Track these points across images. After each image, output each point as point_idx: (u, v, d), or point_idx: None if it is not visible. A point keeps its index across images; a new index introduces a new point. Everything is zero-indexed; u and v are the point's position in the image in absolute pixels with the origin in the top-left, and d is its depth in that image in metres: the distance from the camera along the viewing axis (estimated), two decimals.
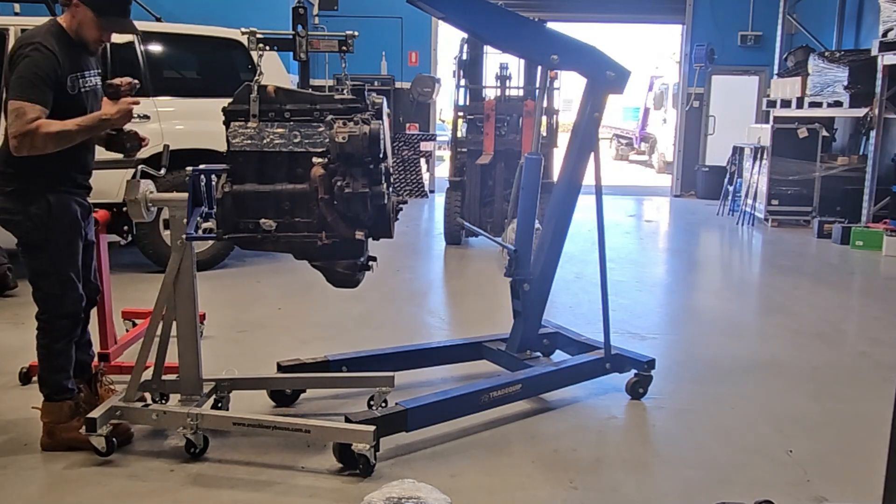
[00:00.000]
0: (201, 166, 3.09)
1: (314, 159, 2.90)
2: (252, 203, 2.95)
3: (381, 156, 2.89)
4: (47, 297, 3.02)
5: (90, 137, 3.01)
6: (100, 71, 3.15)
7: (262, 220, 2.94)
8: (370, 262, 3.08)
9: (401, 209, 3.15)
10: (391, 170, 3.11)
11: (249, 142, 2.93)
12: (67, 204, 2.99)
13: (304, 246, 2.97)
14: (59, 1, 2.94)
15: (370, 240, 3.06)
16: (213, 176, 3.06)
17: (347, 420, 2.97)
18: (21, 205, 2.91)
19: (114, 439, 3.04)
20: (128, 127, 3.13)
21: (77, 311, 3.09)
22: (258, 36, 3.27)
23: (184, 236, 3.03)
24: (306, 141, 2.92)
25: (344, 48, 3.42)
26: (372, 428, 2.89)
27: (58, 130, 2.79)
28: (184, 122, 6.21)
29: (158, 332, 3.20)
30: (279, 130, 2.92)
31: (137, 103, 3.05)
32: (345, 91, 3.04)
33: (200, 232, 3.06)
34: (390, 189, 3.09)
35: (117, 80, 3.06)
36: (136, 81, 3.12)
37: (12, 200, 2.91)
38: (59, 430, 3.09)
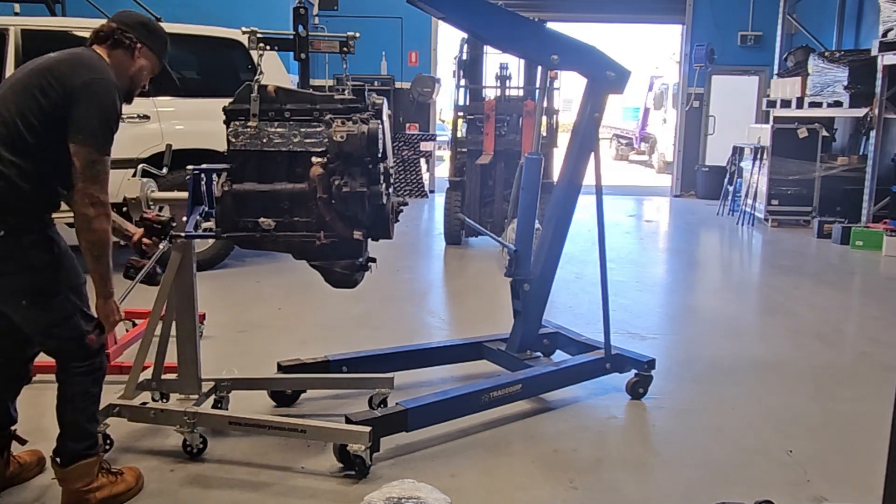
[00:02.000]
0: (202, 166, 3.10)
1: (313, 159, 2.90)
2: (251, 202, 2.95)
3: (379, 155, 2.89)
4: (75, 343, 2.55)
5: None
6: None
7: (262, 220, 2.94)
8: (369, 263, 3.08)
9: (401, 210, 3.14)
10: (391, 170, 3.11)
11: (249, 141, 2.93)
12: (58, 239, 2.53)
13: (302, 245, 2.97)
14: (115, 45, 2.60)
15: (370, 240, 3.07)
16: (213, 175, 3.07)
17: (348, 420, 2.97)
18: (14, 248, 2.40)
19: (110, 437, 3.04)
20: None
21: (104, 342, 2.69)
22: (258, 36, 3.27)
23: (182, 235, 3.03)
24: (306, 140, 2.92)
25: (345, 49, 3.42)
26: (368, 429, 2.88)
27: (106, 242, 2.47)
28: (184, 121, 6.21)
29: (158, 331, 3.21)
30: (279, 130, 2.93)
31: (157, 243, 2.99)
32: (345, 91, 3.05)
33: (200, 231, 3.06)
34: (390, 190, 3.09)
35: (150, 214, 2.98)
36: (169, 218, 3.02)
37: (3, 246, 2.38)
38: (93, 490, 2.62)
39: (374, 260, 3.11)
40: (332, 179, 2.85)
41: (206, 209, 3.09)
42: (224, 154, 2.97)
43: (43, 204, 2.50)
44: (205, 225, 3.06)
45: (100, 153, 2.40)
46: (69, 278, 2.53)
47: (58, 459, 2.62)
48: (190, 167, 3.07)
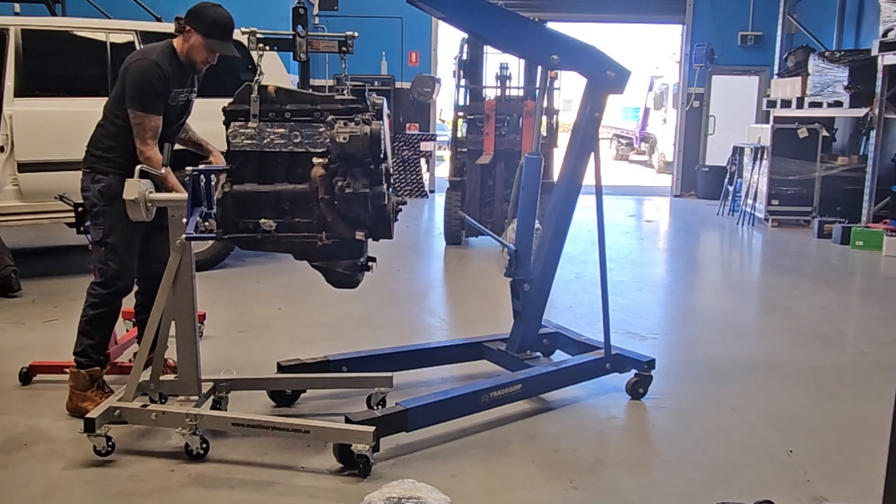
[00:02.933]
0: (201, 166, 3.10)
1: (314, 159, 2.90)
2: (252, 203, 2.95)
3: (381, 156, 2.89)
4: (97, 264, 3.37)
5: (172, 142, 3.36)
6: (194, 88, 3.57)
7: (262, 220, 2.94)
8: (370, 263, 3.08)
9: (400, 209, 3.14)
10: (391, 170, 3.11)
11: (249, 142, 2.93)
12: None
13: (304, 246, 2.97)
14: (174, 29, 3.36)
15: (370, 240, 3.06)
16: (212, 176, 3.07)
17: (348, 420, 2.97)
18: (91, 182, 3.34)
19: (112, 440, 3.04)
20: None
21: (119, 287, 3.38)
22: (258, 36, 3.27)
23: (184, 236, 3.03)
24: (306, 141, 2.92)
25: (344, 49, 3.42)
26: (371, 428, 2.88)
27: (154, 160, 3.26)
28: None
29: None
30: (279, 130, 2.92)
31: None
32: (345, 91, 3.04)
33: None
34: (390, 189, 3.09)
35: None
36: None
37: (87, 179, 3.36)
38: (74, 395, 3.38)
39: (374, 259, 3.11)
40: (334, 180, 2.85)
41: (206, 210, 3.08)
42: (224, 154, 2.97)
43: (111, 160, 3.35)
44: (205, 226, 3.05)
45: (137, 111, 3.27)
46: (112, 219, 3.30)
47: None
48: (189, 168, 3.07)
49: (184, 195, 3.08)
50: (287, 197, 2.94)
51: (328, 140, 2.86)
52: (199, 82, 3.60)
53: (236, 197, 2.94)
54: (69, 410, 3.39)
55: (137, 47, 6.08)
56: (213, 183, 3.10)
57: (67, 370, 3.41)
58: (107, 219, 3.32)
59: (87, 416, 2.98)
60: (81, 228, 3.55)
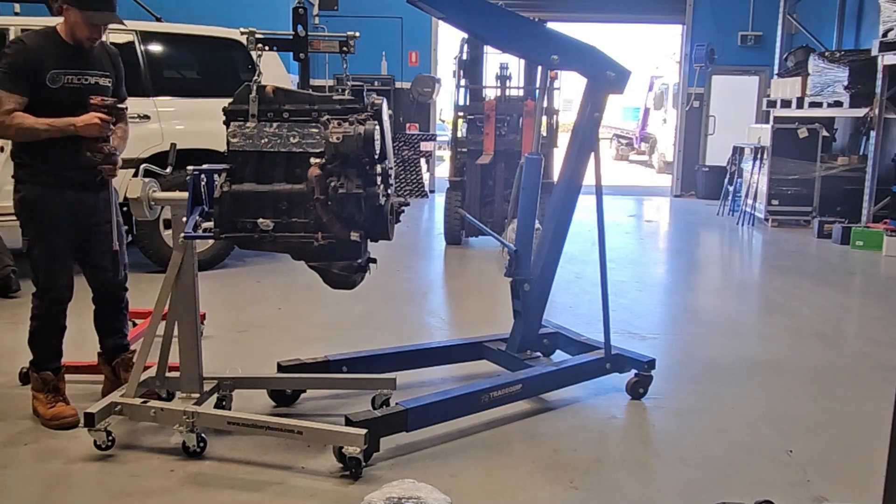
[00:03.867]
0: (203, 166, 3.10)
1: (312, 160, 2.90)
2: (250, 203, 2.95)
3: (376, 156, 2.89)
4: (33, 277, 3.30)
5: (69, 136, 3.16)
6: (107, 73, 3.34)
7: (260, 220, 2.94)
8: (369, 264, 3.08)
9: (402, 211, 3.14)
10: (391, 171, 3.11)
11: (248, 142, 2.93)
12: (40, 195, 3.21)
13: (301, 246, 2.97)
14: (52, 9, 3.16)
15: (370, 241, 3.06)
16: (214, 175, 3.07)
17: (348, 420, 2.97)
18: (14, 194, 3.26)
19: (113, 437, 3.05)
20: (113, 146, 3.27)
21: (53, 298, 3.29)
22: (257, 36, 3.27)
23: (182, 235, 3.04)
24: (304, 141, 2.93)
25: (345, 49, 3.42)
26: (363, 431, 2.88)
27: (27, 126, 3.08)
28: (184, 121, 6.21)
29: (160, 331, 3.21)
30: (277, 131, 2.93)
31: (105, 120, 3.17)
32: (344, 92, 3.04)
33: (200, 231, 3.06)
34: (390, 190, 3.08)
35: (95, 98, 3.19)
36: (113, 100, 3.26)
37: (13, 192, 3.26)
38: (34, 396, 3.37)
39: (374, 261, 3.10)
40: (328, 181, 2.85)
41: (206, 209, 3.09)
42: (224, 154, 2.97)
43: (25, 165, 3.22)
44: (205, 225, 3.06)
45: None
46: (34, 230, 3.23)
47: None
48: (190, 167, 3.08)
49: (184, 195, 3.08)
50: (285, 197, 2.95)
51: (324, 140, 2.86)
52: (118, 69, 3.41)
53: (234, 196, 2.94)
54: (33, 412, 3.39)
55: (137, 47, 6.10)
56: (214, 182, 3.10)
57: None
58: (29, 229, 3.24)
59: (87, 410, 2.99)
60: None
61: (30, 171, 3.21)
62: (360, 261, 3.02)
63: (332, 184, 2.84)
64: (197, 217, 3.04)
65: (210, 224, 3.03)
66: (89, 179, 3.25)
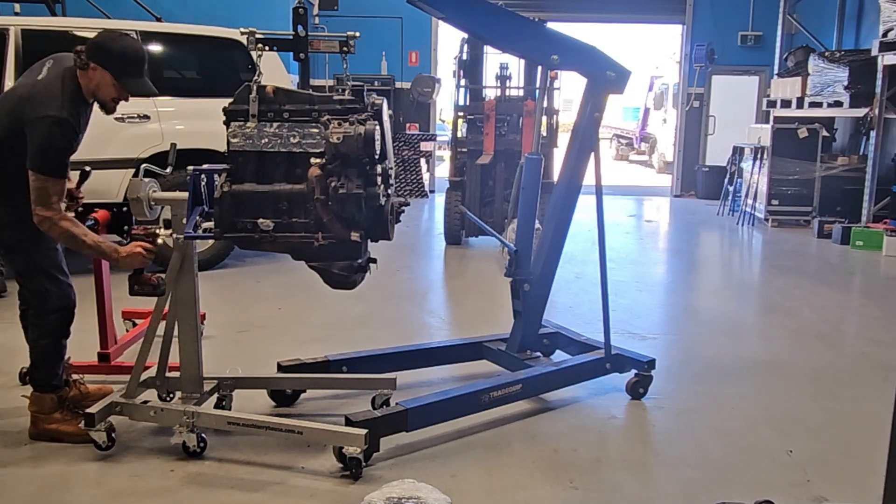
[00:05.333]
0: (203, 166, 3.10)
1: (312, 160, 2.90)
2: (250, 203, 2.95)
3: (376, 157, 2.89)
4: (33, 294, 3.12)
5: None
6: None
7: (260, 220, 2.94)
8: (370, 264, 3.08)
9: (402, 211, 3.14)
10: (391, 171, 3.11)
11: (249, 142, 2.94)
12: (21, 233, 3.01)
13: (301, 246, 2.97)
14: (76, 64, 2.92)
15: (370, 241, 3.06)
16: (214, 176, 3.07)
17: (348, 421, 2.97)
18: None
19: (113, 435, 3.05)
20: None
21: (66, 306, 3.15)
22: (257, 36, 3.27)
23: (182, 236, 3.04)
24: (304, 141, 2.93)
25: (345, 49, 3.42)
26: (363, 431, 2.88)
27: (73, 235, 2.90)
28: (184, 121, 6.21)
29: (160, 331, 3.21)
30: (278, 131, 2.93)
31: (150, 251, 3.03)
32: (344, 92, 3.04)
33: (200, 231, 3.06)
34: (390, 191, 3.08)
35: (137, 228, 3.09)
36: (156, 228, 3.12)
37: None
38: (41, 420, 3.18)
39: (374, 261, 3.10)
40: (328, 181, 2.85)
41: (206, 209, 3.09)
42: (224, 154, 2.97)
43: (10, 181, 2.93)
44: (204, 225, 3.06)
45: (39, 174, 2.82)
46: (31, 242, 3.02)
47: (27, 378, 3.29)
48: (190, 167, 3.08)
49: (185, 195, 3.08)
50: (285, 197, 2.95)
51: (325, 140, 2.86)
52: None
53: (235, 197, 2.94)
54: (32, 437, 3.17)
55: None
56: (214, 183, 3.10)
57: (26, 396, 3.23)
58: (17, 264, 3.10)
59: (88, 410, 3.00)
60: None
61: (19, 184, 2.91)
62: (360, 261, 3.01)
63: (333, 184, 2.84)
64: (197, 217, 3.05)
65: (210, 224, 3.03)
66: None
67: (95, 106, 3.09)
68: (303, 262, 3.03)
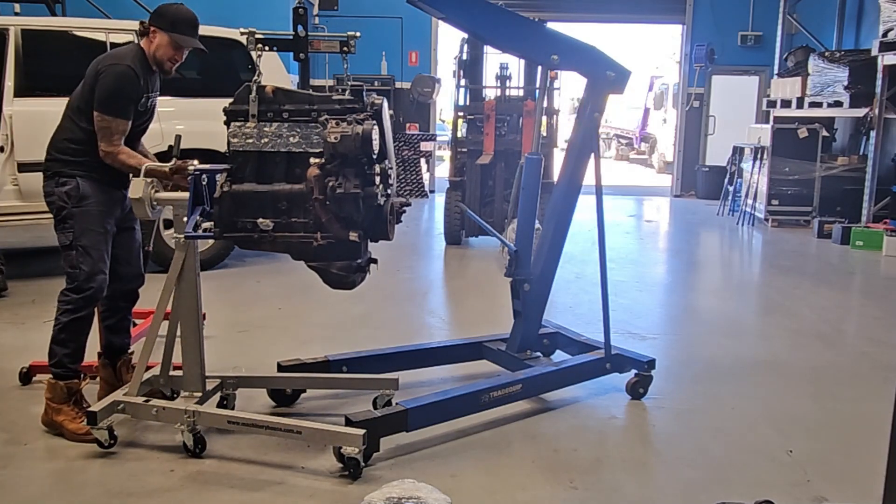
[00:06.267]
0: (203, 166, 3.10)
1: (311, 160, 2.90)
2: (250, 203, 2.95)
3: (374, 156, 2.89)
4: (67, 269, 3.24)
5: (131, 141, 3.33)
6: (158, 91, 3.48)
7: (260, 220, 2.95)
8: (370, 264, 3.08)
9: (404, 211, 3.14)
10: (391, 171, 3.10)
11: (249, 142, 2.94)
12: (95, 188, 3.23)
13: (300, 246, 2.97)
14: (139, 32, 3.31)
15: (371, 241, 3.06)
16: (215, 175, 3.07)
17: (348, 421, 2.97)
18: (56, 185, 3.23)
19: (115, 433, 3.06)
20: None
21: (94, 290, 3.21)
22: (257, 36, 3.28)
23: (182, 236, 3.04)
24: (304, 141, 2.93)
25: (345, 49, 3.42)
26: (362, 431, 2.88)
27: (130, 165, 3.19)
28: (184, 122, 6.21)
29: (163, 330, 3.21)
30: (277, 131, 2.93)
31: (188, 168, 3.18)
32: (344, 92, 3.05)
33: (201, 231, 3.07)
34: (390, 191, 3.08)
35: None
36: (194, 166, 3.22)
37: (50, 183, 3.25)
38: (51, 409, 3.23)
39: (374, 261, 3.10)
40: (326, 180, 2.86)
41: (207, 209, 3.09)
42: (224, 154, 2.98)
43: (78, 163, 3.23)
44: (205, 225, 3.06)
45: (104, 114, 3.16)
46: (82, 222, 3.20)
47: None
48: (191, 167, 3.08)
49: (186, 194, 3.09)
50: (284, 197, 2.95)
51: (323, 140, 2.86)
52: (161, 86, 3.51)
53: (235, 196, 2.94)
54: (44, 424, 3.25)
55: None
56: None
57: (45, 381, 3.29)
58: (76, 221, 3.21)
59: (90, 408, 3.00)
60: None
61: (82, 166, 3.23)
62: (359, 261, 3.01)
63: (331, 184, 2.84)
64: (198, 217, 3.05)
65: (210, 224, 3.03)
66: (125, 178, 3.27)
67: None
68: (302, 261, 3.03)
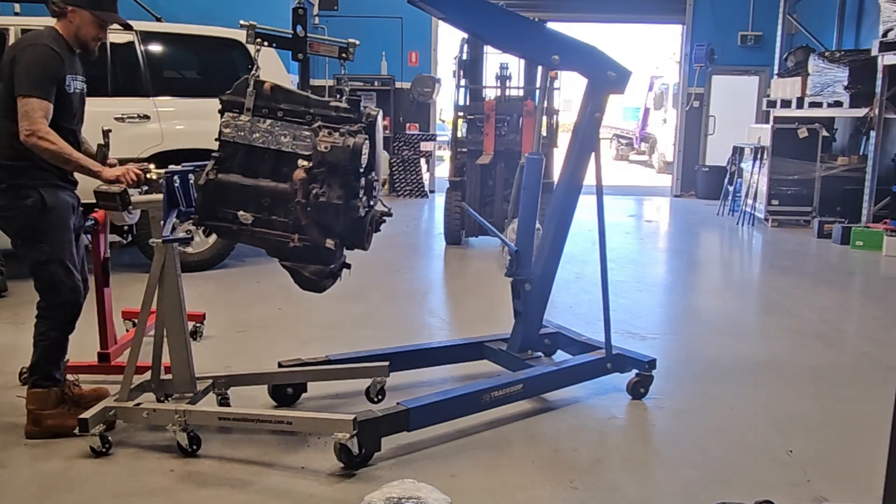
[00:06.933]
0: (173, 167, 3.11)
1: (300, 162, 2.91)
2: (234, 194, 2.97)
3: (362, 170, 2.90)
4: (46, 286, 3.14)
5: (77, 143, 3.18)
6: (84, 78, 3.27)
7: (241, 213, 2.96)
8: (342, 270, 3.09)
9: (384, 221, 3.17)
10: (377, 182, 3.11)
11: (240, 134, 2.95)
12: (58, 196, 3.12)
13: (277, 244, 2.99)
14: (52, 12, 3.09)
15: (346, 248, 3.08)
16: (188, 176, 3.07)
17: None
18: (15, 200, 3.04)
19: (109, 439, 3.05)
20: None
21: (75, 300, 3.18)
22: (255, 31, 3.27)
23: (160, 240, 3.04)
24: (294, 143, 2.94)
25: (343, 56, 3.44)
26: (351, 417, 2.88)
27: (58, 151, 2.96)
28: (184, 122, 6.22)
29: (151, 333, 3.21)
30: (270, 128, 2.94)
31: (135, 181, 3.06)
32: (342, 98, 3.05)
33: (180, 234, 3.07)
34: (373, 202, 3.09)
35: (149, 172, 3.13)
36: (148, 172, 3.14)
37: (6, 197, 3.05)
38: (44, 416, 3.19)
39: (348, 266, 3.12)
40: (311, 186, 2.87)
41: (183, 210, 3.09)
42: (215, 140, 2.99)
43: (35, 169, 3.03)
44: (183, 227, 3.06)
45: (24, 97, 2.92)
46: (53, 233, 3.08)
47: (29, 375, 3.25)
48: (161, 170, 3.07)
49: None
50: (268, 194, 2.97)
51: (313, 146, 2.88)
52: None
53: (219, 185, 2.96)
54: (30, 436, 3.16)
55: (137, 47, 6.10)
56: (189, 183, 3.10)
57: (22, 396, 3.24)
58: (47, 234, 3.06)
59: (81, 416, 2.99)
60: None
61: (38, 173, 3.04)
62: (332, 266, 3.02)
63: (315, 190, 2.85)
64: (174, 219, 3.05)
65: (188, 226, 3.04)
66: (75, 181, 3.21)
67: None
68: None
